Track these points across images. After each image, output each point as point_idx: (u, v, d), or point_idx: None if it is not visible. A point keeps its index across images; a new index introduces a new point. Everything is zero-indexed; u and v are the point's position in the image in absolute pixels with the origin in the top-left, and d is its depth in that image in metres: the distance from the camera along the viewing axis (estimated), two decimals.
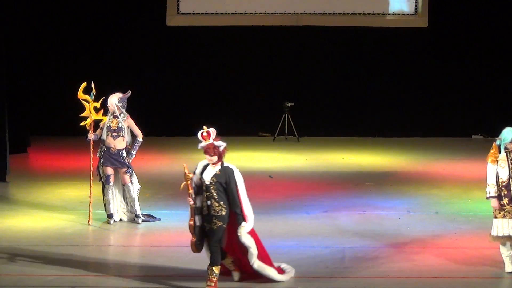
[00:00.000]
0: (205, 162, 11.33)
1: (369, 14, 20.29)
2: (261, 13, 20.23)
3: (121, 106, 14.54)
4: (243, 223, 11.25)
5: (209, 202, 11.22)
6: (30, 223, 14.64)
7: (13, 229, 14.42)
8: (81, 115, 14.46)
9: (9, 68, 17.91)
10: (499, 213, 11.98)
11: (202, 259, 13.22)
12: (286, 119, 20.38)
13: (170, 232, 14.45)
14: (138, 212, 14.79)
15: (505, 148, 12.22)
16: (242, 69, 20.63)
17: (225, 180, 11.22)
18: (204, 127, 11.38)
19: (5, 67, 17.51)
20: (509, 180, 12.01)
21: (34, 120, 19.45)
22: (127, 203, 14.84)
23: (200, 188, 11.37)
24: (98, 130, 14.55)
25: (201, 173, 11.35)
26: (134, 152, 14.72)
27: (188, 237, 14.11)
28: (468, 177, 17.66)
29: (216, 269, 11.30)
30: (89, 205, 14.72)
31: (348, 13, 20.26)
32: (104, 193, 14.75)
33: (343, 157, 19.55)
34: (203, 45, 20.50)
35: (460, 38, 20.23)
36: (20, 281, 11.57)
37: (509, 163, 12.12)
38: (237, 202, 11.26)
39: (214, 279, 11.30)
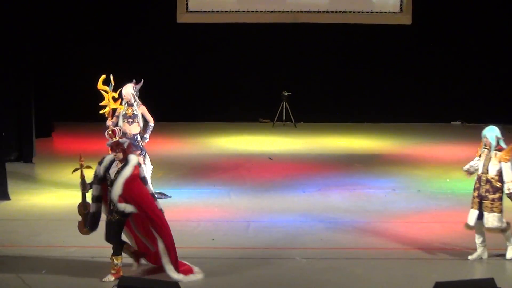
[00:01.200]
0: (111, 157, 11.10)
1: (359, 12, 20.30)
2: (262, 11, 20.23)
3: (135, 95, 14.59)
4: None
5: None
6: (54, 200, 14.69)
7: (39, 206, 14.48)
8: (100, 104, 14.50)
9: (36, 61, 17.94)
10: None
11: (209, 232, 13.31)
12: (284, 106, 20.40)
13: (180, 208, 14.50)
14: (151, 190, 14.83)
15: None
16: (245, 62, 20.66)
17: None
18: (109, 126, 11.30)
19: (32, 60, 17.53)
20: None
21: (58, 107, 19.48)
22: None
23: (102, 180, 11.09)
24: (115, 117, 14.59)
25: (107, 168, 11.07)
26: (147, 136, 14.76)
27: (196, 213, 14.23)
28: (447, 159, 17.70)
29: (116, 259, 11.10)
30: None
31: (340, 12, 20.26)
32: None
33: (335, 141, 19.57)
34: (210, 40, 20.52)
35: (440, 34, 20.25)
36: (46, 251, 11.65)
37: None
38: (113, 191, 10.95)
39: (116, 267, 11.11)
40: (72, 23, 20.09)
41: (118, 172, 10.97)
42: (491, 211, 11.72)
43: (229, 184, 15.84)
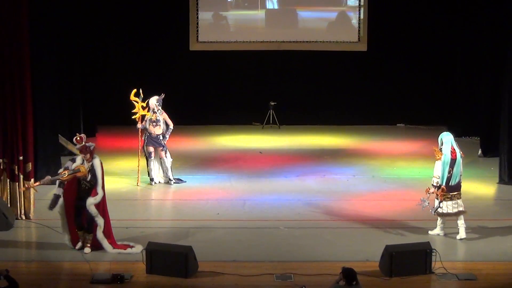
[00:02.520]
0: (81, 158, 10.95)
1: (327, 41, 20.24)
2: (254, 41, 20.19)
3: (158, 105, 14.58)
4: (90, 197, 10.84)
5: (86, 187, 10.90)
6: (114, 185, 14.27)
7: None
8: (132, 111, 14.51)
9: (83, 77, 17.88)
10: None
11: (215, 208, 13.30)
12: (271, 113, 20.35)
13: (193, 190, 14.50)
14: (171, 177, 14.82)
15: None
16: (241, 79, 20.56)
17: (93, 169, 10.94)
18: (77, 133, 11.22)
19: (80, 78, 17.45)
20: None
21: (100, 113, 19.40)
22: (163, 171, 14.85)
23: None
24: (144, 121, 14.58)
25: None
26: (167, 136, 14.75)
27: (205, 194, 14.20)
28: (394, 152, 17.66)
29: (89, 236, 10.99)
30: (138, 172, 14.75)
31: (313, 41, 20.20)
32: (147, 164, 14.78)
33: (313, 139, 19.43)
34: (215, 63, 20.42)
35: (387, 57, 20.17)
36: None
37: None
38: (98, 182, 10.91)
39: (89, 241, 11.01)
40: (110, 48, 19.99)
41: (90, 170, 10.89)
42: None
43: (229, 171, 15.83)
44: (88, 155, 10.97)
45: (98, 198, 10.92)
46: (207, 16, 20.20)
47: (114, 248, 11.04)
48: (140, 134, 14.66)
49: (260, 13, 20.26)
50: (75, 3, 16.83)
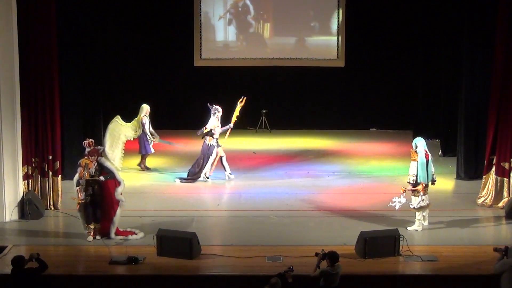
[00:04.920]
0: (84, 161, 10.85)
1: (311, 58, 20.23)
2: (250, 58, 20.19)
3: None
4: (117, 188, 10.75)
5: (95, 186, 10.81)
6: (130, 181, 14.23)
7: None
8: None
9: (103, 89, 17.65)
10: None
11: (215, 200, 13.24)
12: (263, 119, 20.31)
13: (196, 185, 14.45)
14: (207, 173, 14.63)
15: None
16: (238, 90, 20.36)
17: (101, 169, 10.82)
18: (87, 138, 11.12)
19: (100, 87, 17.21)
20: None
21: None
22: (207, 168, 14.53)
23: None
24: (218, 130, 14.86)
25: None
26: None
27: (207, 188, 14.12)
28: (367, 152, 17.66)
29: (92, 225, 10.90)
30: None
31: (299, 58, 20.22)
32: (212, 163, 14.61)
33: (299, 141, 19.33)
34: (216, 76, 20.37)
35: (361, 72, 20.16)
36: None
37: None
38: (114, 174, 10.79)
39: (91, 230, 10.91)
40: (127, 65, 19.89)
41: (98, 168, 10.74)
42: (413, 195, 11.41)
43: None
44: (96, 157, 10.84)
45: (123, 185, 10.85)
46: (209, 38, 20.20)
47: (116, 234, 10.93)
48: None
49: (255, 37, 20.36)
50: (96, 25, 16.66)
